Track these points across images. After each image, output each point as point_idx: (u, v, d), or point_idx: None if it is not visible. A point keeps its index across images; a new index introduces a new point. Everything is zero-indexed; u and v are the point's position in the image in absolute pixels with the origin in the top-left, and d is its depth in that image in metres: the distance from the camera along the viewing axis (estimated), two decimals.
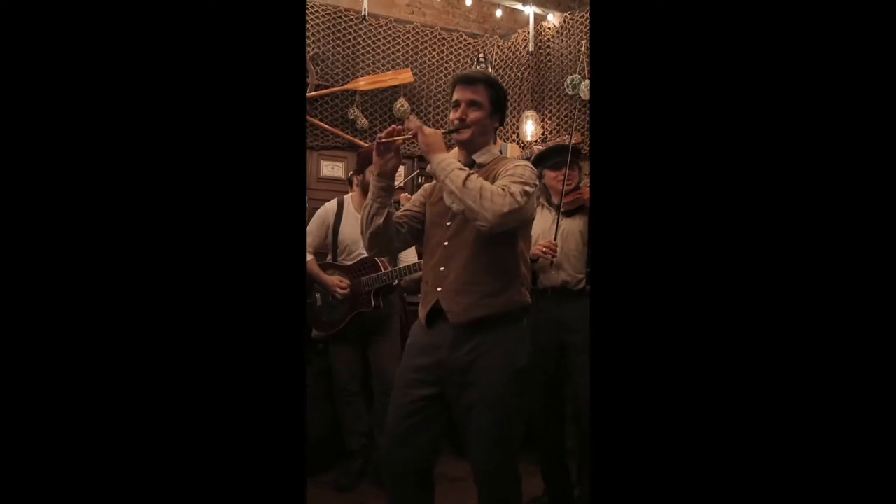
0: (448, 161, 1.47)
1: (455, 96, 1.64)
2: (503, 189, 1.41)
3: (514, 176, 1.50)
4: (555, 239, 2.32)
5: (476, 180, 1.43)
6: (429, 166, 1.55)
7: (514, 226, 1.48)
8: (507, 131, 4.65)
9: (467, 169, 1.49)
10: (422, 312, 1.61)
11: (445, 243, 1.58)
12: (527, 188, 1.46)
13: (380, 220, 1.58)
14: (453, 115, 1.64)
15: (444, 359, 1.52)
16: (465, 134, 1.62)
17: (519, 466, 1.58)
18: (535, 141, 4.47)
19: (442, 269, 1.56)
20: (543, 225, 2.42)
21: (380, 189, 1.57)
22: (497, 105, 1.66)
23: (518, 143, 4.59)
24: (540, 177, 2.41)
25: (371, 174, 1.68)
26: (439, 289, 1.54)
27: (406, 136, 1.58)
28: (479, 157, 1.66)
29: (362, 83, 4.41)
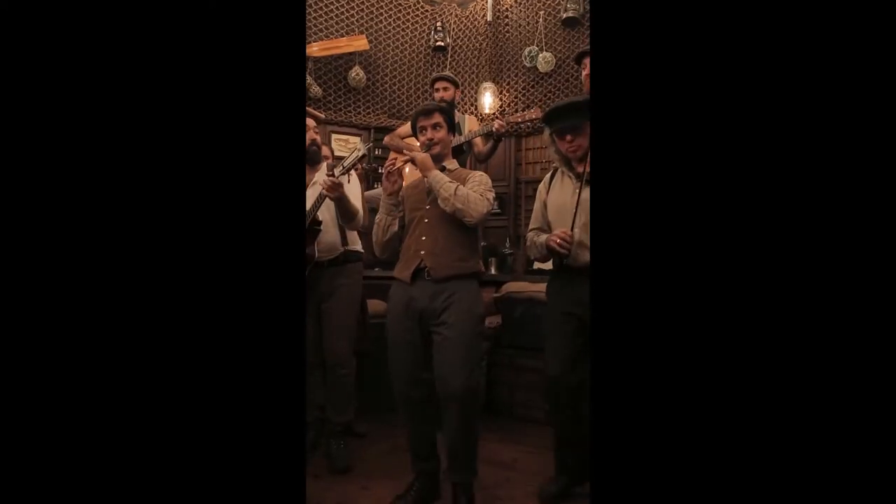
0: (440, 175, 2.09)
1: (420, 124, 2.23)
2: (481, 195, 2.05)
3: (483, 185, 2.12)
4: (575, 211, 2.06)
5: (462, 189, 2.05)
6: (426, 180, 2.13)
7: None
8: (466, 104, 4.56)
9: (455, 182, 2.09)
10: (405, 273, 2.10)
11: (426, 220, 2.14)
12: (492, 194, 2.14)
13: (395, 227, 2.18)
14: (423, 138, 2.20)
15: (425, 307, 2.06)
16: (436, 148, 2.20)
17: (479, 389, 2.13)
18: (494, 114, 4.42)
19: (424, 238, 2.12)
20: (563, 195, 2.17)
21: (390, 206, 2.17)
22: (451, 125, 2.26)
23: (476, 116, 4.50)
24: (552, 142, 2.24)
25: (382, 197, 2.21)
26: (422, 252, 2.09)
27: (406, 160, 2.19)
28: (448, 165, 2.25)
29: (315, 49, 4.23)
